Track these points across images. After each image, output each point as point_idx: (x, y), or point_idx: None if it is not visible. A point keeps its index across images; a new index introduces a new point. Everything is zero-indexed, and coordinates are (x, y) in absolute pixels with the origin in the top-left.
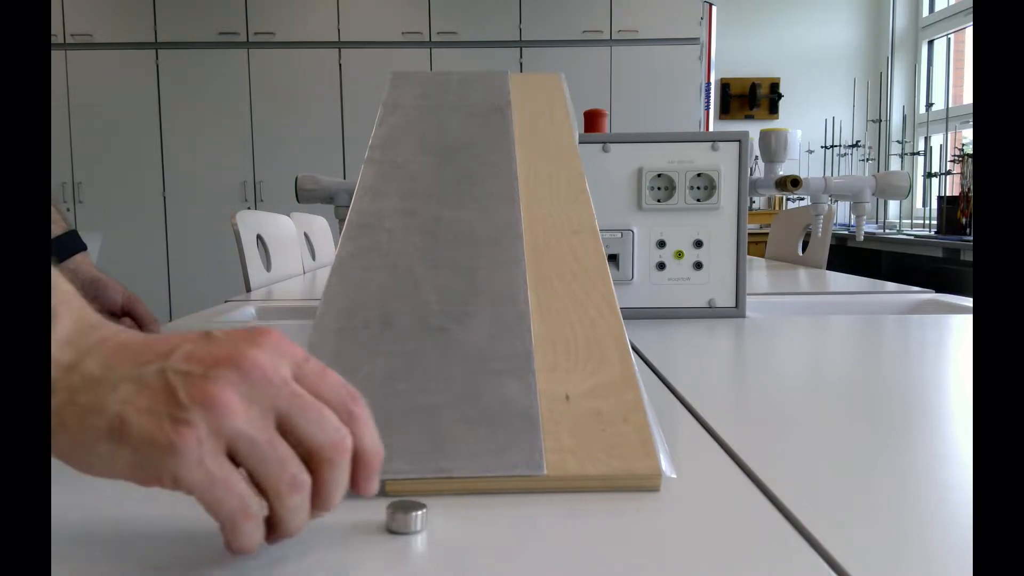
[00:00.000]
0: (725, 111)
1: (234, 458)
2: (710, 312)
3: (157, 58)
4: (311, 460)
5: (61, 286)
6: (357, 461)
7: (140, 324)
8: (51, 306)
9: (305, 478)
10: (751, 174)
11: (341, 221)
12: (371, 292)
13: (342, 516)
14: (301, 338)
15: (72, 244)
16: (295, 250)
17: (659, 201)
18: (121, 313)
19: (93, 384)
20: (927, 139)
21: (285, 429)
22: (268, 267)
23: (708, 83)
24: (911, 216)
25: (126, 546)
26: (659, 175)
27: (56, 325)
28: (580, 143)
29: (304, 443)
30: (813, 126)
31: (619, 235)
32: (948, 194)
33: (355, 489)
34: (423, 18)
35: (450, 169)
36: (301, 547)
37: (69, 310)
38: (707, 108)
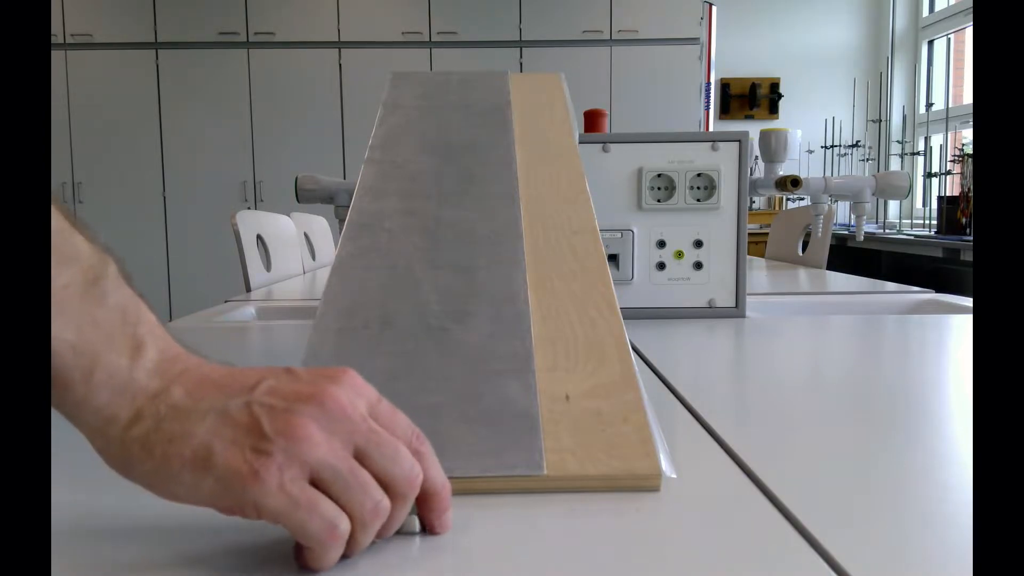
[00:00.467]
0: (725, 111)
1: (319, 486)
2: (710, 312)
3: (157, 58)
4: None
5: (146, 316)
6: (428, 498)
7: None
8: (136, 335)
9: (387, 504)
10: (751, 174)
11: (341, 221)
12: (371, 292)
13: None
14: (301, 338)
15: None
16: (295, 250)
17: (659, 201)
18: None
19: (179, 414)
20: (927, 139)
21: (362, 463)
22: (268, 267)
23: (708, 83)
24: (911, 216)
25: (125, 540)
26: (659, 175)
27: (143, 355)
28: (580, 143)
29: (379, 477)
30: (813, 126)
31: (619, 235)
32: (948, 194)
33: (431, 528)
34: (423, 18)
35: (450, 169)
36: None
37: (155, 339)
38: (707, 108)
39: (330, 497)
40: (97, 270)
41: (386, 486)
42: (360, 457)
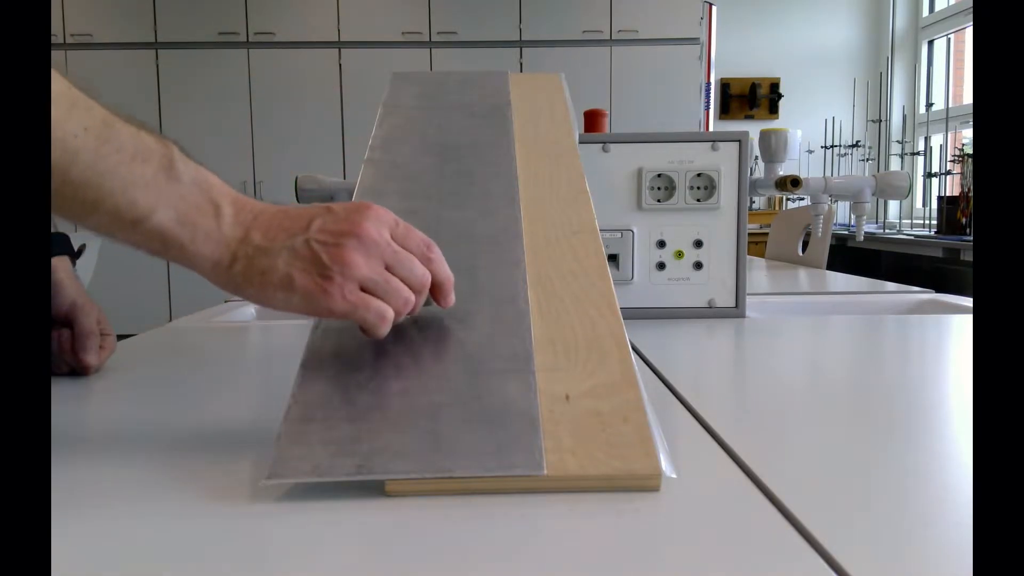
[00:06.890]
0: (725, 111)
1: (369, 292)
2: (710, 312)
3: (157, 58)
4: None
5: (213, 180)
6: (436, 288)
7: (76, 337)
8: (213, 199)
9: (412, 297)
10: (751, 174)
11: None
12: None
13: (343, 516)
14: (301, 338)
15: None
16: None
17: (659, 201)
18: (63, 321)
19: (262, 252)
20: (927, 139)
21: (391, 273)
22: None
23: (708, 83)
24: (911, 216)
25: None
26: (659, 175)
27: (222, 212)
28: (580, 143)
29: (403, 280)
30: (813, 126)
31: (619, 235)
32: (948, 194)
33: (440, 303)
34: (423, 18)
35: (450, 169)
36: (302, 546)
37: (224, 197)
38: (707, 108)
39: (378, 297)
40: (168, 156)
41: (409, 286)
42: (390, 269)
